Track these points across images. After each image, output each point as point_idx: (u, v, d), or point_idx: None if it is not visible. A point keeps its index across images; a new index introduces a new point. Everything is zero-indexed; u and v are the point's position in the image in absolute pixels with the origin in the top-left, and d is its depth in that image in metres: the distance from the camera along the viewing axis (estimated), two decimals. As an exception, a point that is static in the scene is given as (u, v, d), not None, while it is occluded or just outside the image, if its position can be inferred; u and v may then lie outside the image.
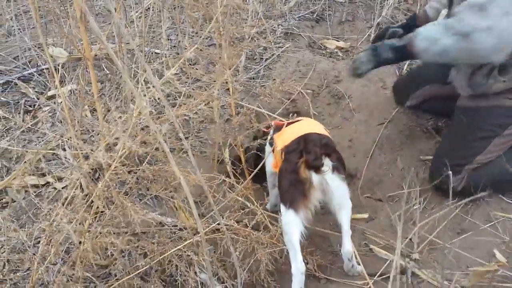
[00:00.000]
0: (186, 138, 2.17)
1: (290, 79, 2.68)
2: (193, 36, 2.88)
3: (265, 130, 2.08)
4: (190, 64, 2.36)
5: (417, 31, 1.68)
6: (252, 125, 1.98)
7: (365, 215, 2.00)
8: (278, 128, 1.94)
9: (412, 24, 2.11)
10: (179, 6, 2.96)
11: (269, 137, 2.03)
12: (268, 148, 2.01)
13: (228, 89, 2.19)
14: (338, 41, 3.21)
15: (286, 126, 1.87)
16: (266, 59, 2.93)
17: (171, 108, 1.65)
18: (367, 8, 3.47)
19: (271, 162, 1.92)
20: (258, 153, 2.03)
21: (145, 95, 1.53)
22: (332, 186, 1.59)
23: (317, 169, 1.58)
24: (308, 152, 1.62)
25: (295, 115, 2.16)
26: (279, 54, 2.98)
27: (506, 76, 1.75)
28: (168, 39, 2.92)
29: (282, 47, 3.03)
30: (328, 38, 3.22)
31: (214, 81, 1.88)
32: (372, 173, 2.26)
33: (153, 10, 2.93)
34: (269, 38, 2.98)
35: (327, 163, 1.60)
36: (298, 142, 1.69)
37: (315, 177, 1.58)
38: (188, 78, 2.24)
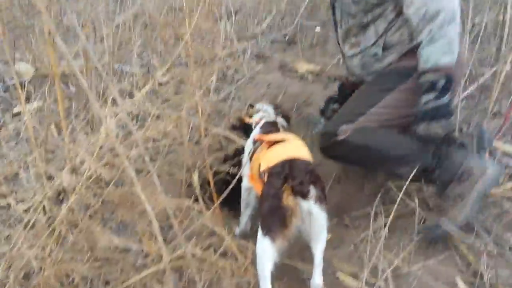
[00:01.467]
0: (155, 160, 2.14)
1: (261, 101, 2.70)
2: (165, 54, 2.87)
3: (246, 120, 2.06)
4: (160, 84, 2.34)
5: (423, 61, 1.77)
6: (222, 147, 1.97)
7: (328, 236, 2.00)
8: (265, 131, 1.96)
9: (345, 93, 2.23)
10: (151, 24, 2.96)
11: (252, 134, 1.99)
12: (247, 149, 1.96)
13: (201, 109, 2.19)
14: (309, 64, 3.26)
15: (271, 144, 1.82)
16: (238, 80, 2.94)
17: (138, 131, 1.63)
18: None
19: (248, 174, 1.88)
20: (228, 178, 2.02)
21: (111, 116, 1.50)
22: (314, 216, 1.53)
23: (303, 196, 1.52)
24: (294, 178, 1.55)
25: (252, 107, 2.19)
26: (250, 76, 3.01)
27: (393, 50, 1.93)
28: (139, 57, 2.90)
29: (254, 68, 3.06)
30: (299, 61, 3.27)
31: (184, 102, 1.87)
32: (339, 198, 2.28)
33: (124, 27, 2.90)
34: (241, 59, 3.00)
35: (313, 191, 1.54)
36: (283, 165, 1.62)
37: (298, 205, 1.52)
38: (157, 98, 2.22)
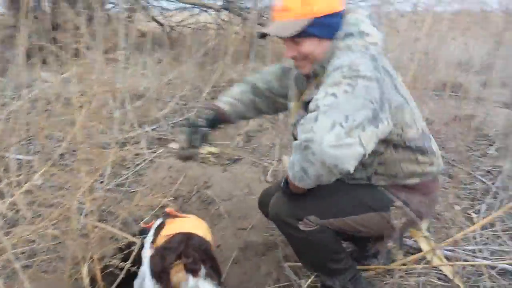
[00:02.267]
0: (41, 252, 2.03)
1: (161, 185, 2.72)
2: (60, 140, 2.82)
3: (144, 226, 2.03)
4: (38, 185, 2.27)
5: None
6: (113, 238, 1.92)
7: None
8: (160, 227, 1.92)
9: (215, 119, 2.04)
10: (47, 110, 2.92)
11: (149, 236, 1.95)
12: (146, 251, 1.92)
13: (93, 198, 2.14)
14: (210, 146, 3.36)
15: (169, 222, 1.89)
16: (137, 165, 2.95)
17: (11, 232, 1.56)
18: (238, 116, 3.74)
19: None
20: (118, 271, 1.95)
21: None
22: None
23: (193, 273, 1.59)
24: (187, 255, 1.62)
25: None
26: (151, 159, 3.03)
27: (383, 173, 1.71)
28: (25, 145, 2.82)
29: (155, 152, 3.10)
30: (201, 143, 3.37)
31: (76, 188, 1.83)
32: (237, 279, 2.29)
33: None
34: (142, 144, 3.03)
35: (203, 270, 1.61)
36: (179, 241, 1.69)
37: (187, 282, 1.58)
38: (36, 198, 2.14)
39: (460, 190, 2.81)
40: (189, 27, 7.22)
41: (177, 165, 2.97)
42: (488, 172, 3.04)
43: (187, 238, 1.71)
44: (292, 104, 1.91)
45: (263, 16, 5.50)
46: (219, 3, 7.01)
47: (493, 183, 2.83)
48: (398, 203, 1.70)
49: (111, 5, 6.62)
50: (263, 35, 1.71)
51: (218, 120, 2.06)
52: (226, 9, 6.48)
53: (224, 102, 2.06)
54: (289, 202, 1.73)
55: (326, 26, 1.62)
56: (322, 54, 1.65)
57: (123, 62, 3.25)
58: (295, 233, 1.73)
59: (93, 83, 2.85)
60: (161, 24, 6.98)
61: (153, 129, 3.30)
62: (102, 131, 2.38)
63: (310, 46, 1.64)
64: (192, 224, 1.92)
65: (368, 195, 1.73)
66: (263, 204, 2.16)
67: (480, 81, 4.89)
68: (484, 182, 2.88)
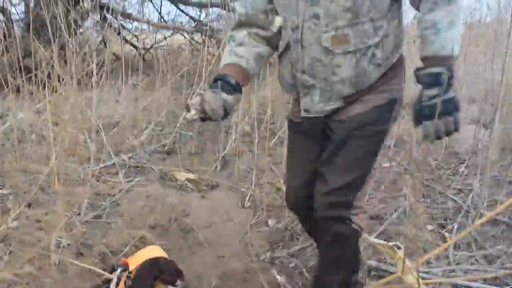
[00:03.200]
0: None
1: (139, 214, 2.71)
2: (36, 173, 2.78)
3: (124, 260, 2.05)
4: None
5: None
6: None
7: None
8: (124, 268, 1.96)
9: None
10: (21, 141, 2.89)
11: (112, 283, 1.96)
12: None
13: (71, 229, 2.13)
14: (188, 172, 3.37)
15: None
16: (114, 195, 2.93)
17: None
18: (215, 140, 3.77)
19: None
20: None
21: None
22: None
23: (172, 283, 1.84)
24: (162, 272, 1.85)
25: None
26: (128, 189, 3.01)
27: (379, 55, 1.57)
28: None
29: (132, 181, 3.08)
30: (179, 170, 3.37)
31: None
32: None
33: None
34: (119, 173, 3.02)
35: (179, 281, 1.87)
36: (150, 265, 1.89)
37: None
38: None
39: (434, 210, 2.89)
40: (163, 49, 7.26)
41: (155, 194, 2.97)
42: (460, 190, 3.13)
43: (155, 260, 1.92)
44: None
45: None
46: (192, 25, 7.10)
47: (464, 202, 2.92)
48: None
49: (85, 29, 6.60)
50: None
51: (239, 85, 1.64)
52: (199, 31, 6.56)
53: (238, 60, 1.69)
54: (333, 192, 1.62)
55: None
56: None
57: (96, 89, 3.24)
58: (347, 231, 1.62)
59: (66, 114, 2.85)
60: (135, 47, 7.00)
61: (129, 158, 3.29)
62: (80, 160, 2.37)
63: None
64: (152, 251, 2.09)
65: (376, 125, 1.62)
66: (298, 206, 1.95)
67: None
68: (456, 201, 2.97)
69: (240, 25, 1.71)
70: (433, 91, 1.42)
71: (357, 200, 1.64)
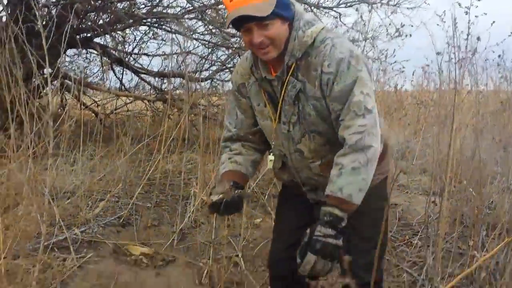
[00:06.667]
0: None
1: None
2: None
3: None
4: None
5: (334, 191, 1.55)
6: None
7: None
8: None
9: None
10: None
11: None
12: None
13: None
14: (143, 246, 3.27)
15: None
16: (65, 273, 2.78)
17: None
18: (172, 212, 3.71)
19: None
20: None
21: None
22: None
23: None
24: None
25: None
26: (80, 266, 2.88)
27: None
28: None
29: (84, 257, 2.96)
30: (134, 244, 3.27)
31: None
32: None
33: None
34: (70, 249, 2.90)
35: None
36: None
37: None
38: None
39: (390, 283, 2.92)
40: (123, 115, 7.26)
41: (107, 271, 2.85)
42: (414, 263, 3.19)
43: None
44: (267, 111, 1.77)
45: (197, 106, 5.66)
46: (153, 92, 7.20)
47: (419, 275, 2.97)
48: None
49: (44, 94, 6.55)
50: (236, 21, 1.56)
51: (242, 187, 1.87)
52: (160, 100, 6.65)
53: (238, 167, 1.88)
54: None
55: (286, 6, 1.61)
56: (284, 38, 1.62)
57: (52, 161, 3.17)
58: None
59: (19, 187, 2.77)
60: (95, 113, 6.97)
61: (82, 231, 3.18)
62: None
63: (277, 28, 1.59)
64: None
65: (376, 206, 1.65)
66: (280, 266, 1.94)
67: (400, 167, 5.23)
68: (411, 274, 3.01)
69: (234, 140, 1.93)
70: (329, 231, 1.51)
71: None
